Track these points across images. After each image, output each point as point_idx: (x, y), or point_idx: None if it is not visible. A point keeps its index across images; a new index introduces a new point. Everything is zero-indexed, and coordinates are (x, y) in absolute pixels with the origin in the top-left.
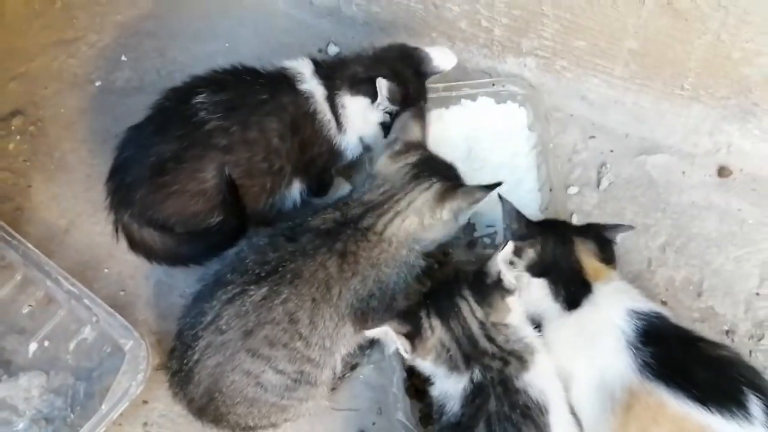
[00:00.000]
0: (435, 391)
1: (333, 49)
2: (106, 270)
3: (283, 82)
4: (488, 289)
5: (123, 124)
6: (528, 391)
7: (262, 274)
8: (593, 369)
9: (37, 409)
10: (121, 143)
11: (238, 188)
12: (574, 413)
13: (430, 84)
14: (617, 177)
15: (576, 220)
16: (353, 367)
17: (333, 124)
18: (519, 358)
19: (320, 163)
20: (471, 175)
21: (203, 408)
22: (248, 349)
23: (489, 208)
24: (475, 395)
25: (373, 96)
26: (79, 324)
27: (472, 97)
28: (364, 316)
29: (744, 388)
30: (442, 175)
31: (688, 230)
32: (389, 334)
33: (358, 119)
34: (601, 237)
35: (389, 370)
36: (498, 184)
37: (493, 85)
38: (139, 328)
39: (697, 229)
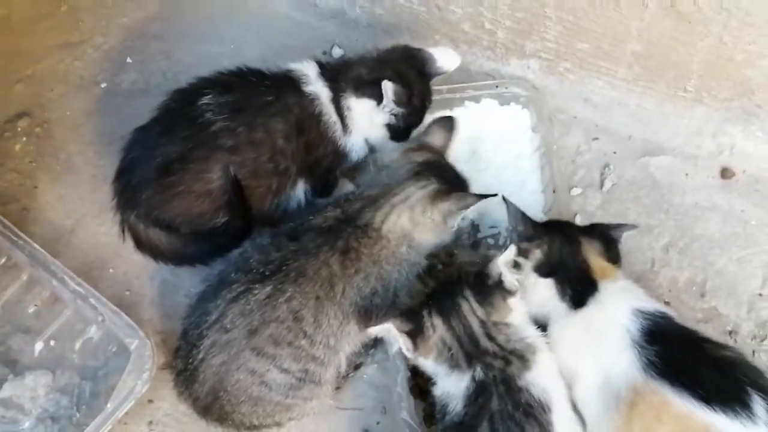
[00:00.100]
0: (437, 390)
1: (337, 52)
2: (111, 270)
3: (288, 83)
4: (490, 289)
5: (128, 126)
6: (530, 390)
7: (266, 273)
8: (598, 367)
9: (43, 408)
10: (128, 144)
11: (243, 189)
12: (577, 411)
13: (434, 86)
14: (620, 178)
15: (579, 222)
16: (357, 367)
17: (338, 125)
18: (521, 357)
19: (325, 164)
20: (474, 177)
21: (208, 407)
22: (253, 348)
23: (493, 208)
24: (478, 394)
25: (379, 98)
26: (85, 323)
27: (476, 99)
28: (367, 314)
29: (748, 388)
30: (443, 179)
31: (692, 231)
32: (392, 332)
33: (364, 121)
34: (606, 236)
35: (393, 369)
36: (493, 195)
37: (497, 87)
38: (144, 328)
39: (701, 230)
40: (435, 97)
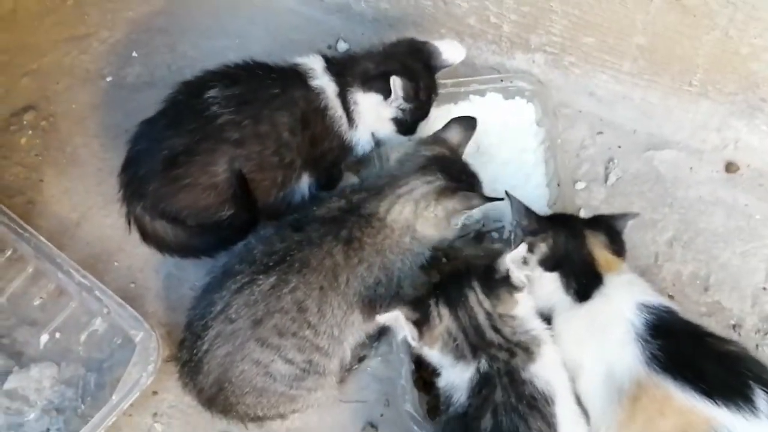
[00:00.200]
0: (442, 381)
1: (342, 46)
2: (116, 263)
3: (294, 77)
4: (497, 283)
5: (134, 119)
6: (534, 382)
7: (271, 264)
8: (602, 360)
9: (48, 399)
10: (134, 137)
11: (248, 182)
12: (581, 404)
13: (438, 80)
14: (625, 172)
15: (584, 216)
16: (361, 360)
17: (344, 119)
18: (525, 349)
19: (330, 157)
20: (479, 171)
21: (213, 398)
22: (258, 339)
23: (497, 202)
24: (482, 386)
25: (386, 93)
26: (90, 316)
27: (481, 93)
28: (371, 304)
29: (751, 382)
30: (450, 176)
31: (696, 225)
32: (399, 320)
33: (371, 115)
34: (611, 229)
35: (397, 362)
36: (500, 199)
37: (502, 81)
38: (149, 320)
39: (705, 224)
40: (440, 91)
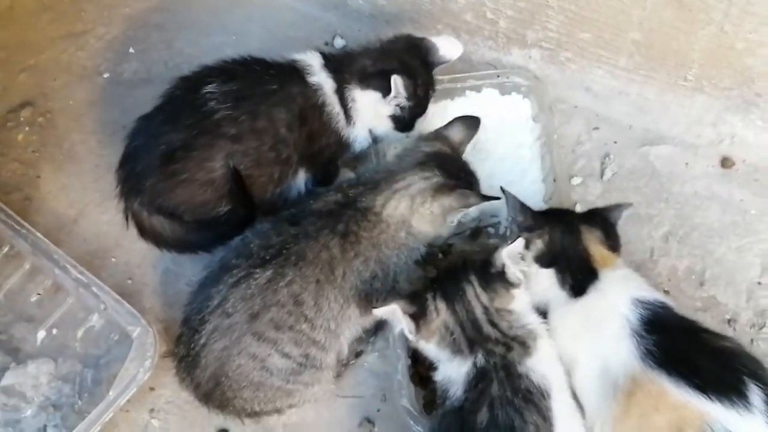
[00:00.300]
0: (438, 376)
1: (339, 42)
2: (113, 259)
3: (292, 73)
4: (493, 277)
5: (131, 116)
6: (530, 376)
7: (267, 258)
8: (597, 355)
9: (46, 396)
10: (132, 132)
11: (243, 178)
12: (576, 399)
13: (435, 76)
14: (621, 168)
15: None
16: (358, 355)
17: (342, 116)
18: (522, 343)
19: (327, 153)
20: (475, 166)
21: (210, 393)
22: (254, 333)
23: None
24: (478, 380)
25: (384, 90)
26: (87, 312)
27: (477, 89)
28: (368, 298)
29: (745, 378)
30: (448, 173)
31: (691, 220)
32: (396, 313)
33: (368, 112)
34: (606, 224)
35: (394, 357)
36: (497, 198)
37: (498, 76)
38: (146, 316)
39: (700, 219)
40: (437, 87)
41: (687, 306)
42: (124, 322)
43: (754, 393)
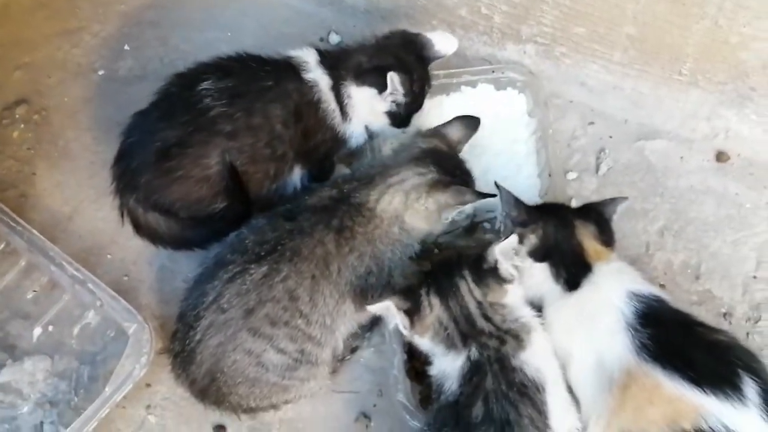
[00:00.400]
0: (433, 370)
1: (334, 38)
2: (109, 256)
3: (288, 69)
4: (486, 273)
5: (126, 113)
6: (524, 370)
7: (262, 253)
8: (592, 349)
9: (42, 392)
10: (127, 129)
11: (239, 174)
12: (572, 392)
13: (431, 71)
14: (616, 162)
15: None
16: (354, 350)
17: (337, 112)
18: (515, 337)
19: (323, 150)
20: (471, 162)
21: (205, 389)
22: (250, 328)
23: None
24: (473, 374)
25: (380, 86)
26: (83, 308)
27: (472, 84)
28: (363, 293)
29: (739, 371)
30: (444, 170)
31: (686, 214)
32: (390, 309)
33: (365, 109)
34: (600, 219)
35: (390, 352)
36: (492, 195)
37: (493, 71)
38: (142, 313)
39: (695, 214)
40: (432, 83)
41: (682, 300)
42: (120, 318)
43: (749, 386)
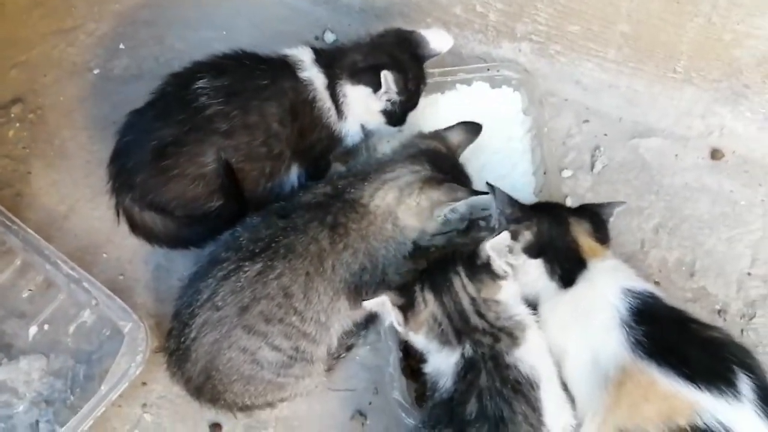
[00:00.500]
0: (428, 367)
1: (329, 37)
2: (104, 255)
3: (283, 68)
4: (479, 268)
5: (121, 111)
6: (518, 367)
7: (256, 251)
8: (587, 346)
9: (38, 391)
10: (123, 127)
11: (234, 173)
12: (567, 389)
13: (426, 69)
14: (611, 160)
15: (570, 203)
16: (349, 348)
17: (333, 111)
18: (510, 334)
19: (319, 148)
20: (466, 160)
21: (200, 387)
22: (244, 326)
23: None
24: (467, 371)
25: (375, 85)
26: (79, 307)
27: (468, 82)
28: (357, 290)
29: (734, 367)
30: (439, 169)
31: (681, 212)
32: (385, 305)
33: (360, 108)
34: (595, 217)
35: (385, 350)
36: (484, 193)
37: (488, 70)
38: (137, 312)
39: (690, 211)
40: (427, 81)
41: (677, 297)
42: (116, 317)
43: (743, 382)
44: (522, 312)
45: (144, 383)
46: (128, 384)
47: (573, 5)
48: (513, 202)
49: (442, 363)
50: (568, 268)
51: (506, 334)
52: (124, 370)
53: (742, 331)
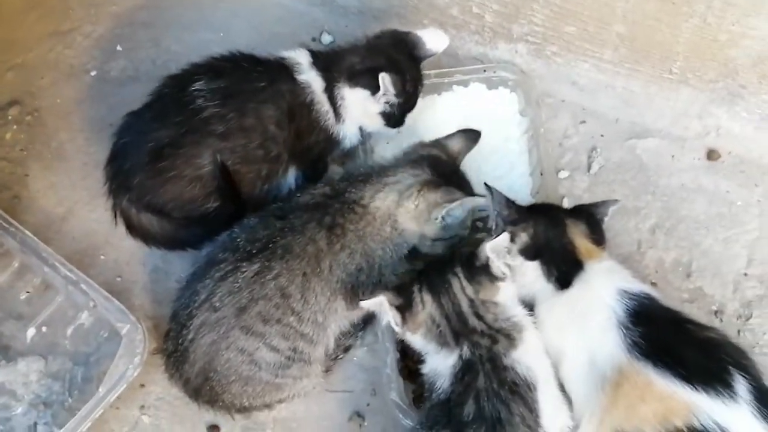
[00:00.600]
0: (426, 368)
1: (326, 38)
2: (102, 257)
3: (281, 70)
4: (478, 270)
5: (118, 113)
6: (516, 368)
7: (254, 251)
8: (584, 347)
9: (36, 393)
10: (120, 129)
11: (231, 174)
12: (564, 391)
13: (422, 70)
14: (608, 161)
15: (567, 204)
16: (347, 349)
17: (331, 114)
18: (507, 335)
19: (317, 151)
20: (463, 161)
21: (199, 388)
22: (242, 326)
23: (480, 190)
24: (464, 372)
25: (373, 88)
26: (77, 309)
27: (464, 83)
28: (354, 291)
29: (730, 368)
30: (439, 174)
31: (678, 212)
32: (383, 305)
33: (358, 110)
34: (591, 219)
35: (383, 351)
36: (482, 196)
37: (485, 71)
38: (135, 313)
39: (687, 211)
40: (424, 81)
41: (674, 297)
42: (114, 319)
43: (740, 383)
44: (519, 313)
45: (142, 385)
46: (126, 386)
47: (569, 6)
48: (510, 203)
49: (440, 364)
50: (564, 270)
51: (504, 335)
52: (121, 372)
53: (738, 331)
